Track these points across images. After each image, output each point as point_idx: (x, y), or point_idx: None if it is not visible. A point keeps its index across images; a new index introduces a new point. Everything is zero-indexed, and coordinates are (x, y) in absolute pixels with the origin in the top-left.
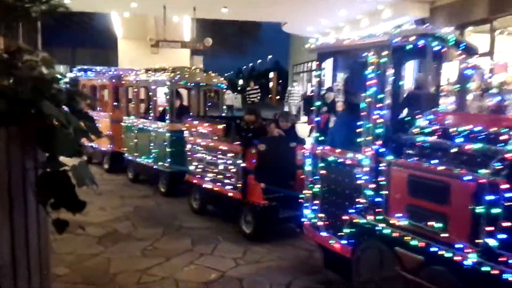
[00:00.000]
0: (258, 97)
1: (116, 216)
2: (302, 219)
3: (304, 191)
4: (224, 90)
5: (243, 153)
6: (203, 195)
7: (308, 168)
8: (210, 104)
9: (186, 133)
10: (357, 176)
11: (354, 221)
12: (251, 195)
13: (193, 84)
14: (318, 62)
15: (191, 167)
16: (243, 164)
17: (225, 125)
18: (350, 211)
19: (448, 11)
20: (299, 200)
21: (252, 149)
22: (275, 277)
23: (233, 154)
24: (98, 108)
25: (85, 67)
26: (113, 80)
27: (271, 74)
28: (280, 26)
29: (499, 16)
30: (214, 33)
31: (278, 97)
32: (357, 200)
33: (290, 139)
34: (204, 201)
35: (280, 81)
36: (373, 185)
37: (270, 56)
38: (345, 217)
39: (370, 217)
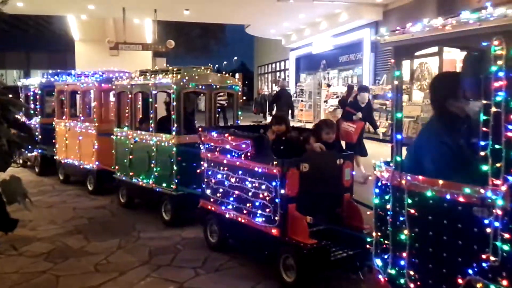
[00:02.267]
0: (226, 101)
1: (67, 230)
2: (378, 274)
3: (374, 233)
4: (240, 93)
5: (281, 176)
6: (224, 227)
7: (382, 203)
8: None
9: (201, 148)
10: (480, 220)
11: (477, 286)
12: (294, 231)
13: (203, 87)
14: (395, 60)
15: (208, 191)
16: (282, 190)
17: (255, 139)
18: (468, 271)
19: (399, 14)
20: (353, 235)
21: (294, 170)
22: (236, 284)
23: (268, 177)
24: (81, 118)
25: (59, 70)
26: (102, 85)
27: (237, 76)
28: (244, 28)
29: (447, 18)
30: (178, 34)
31: (244, 98)
32: (480, 256)
33: (335, 155)
34: (225, 234)
35: (246, 82)
36: (510, 235)
37: (235, 58)
38: (458, 280)
39: (504, 282)
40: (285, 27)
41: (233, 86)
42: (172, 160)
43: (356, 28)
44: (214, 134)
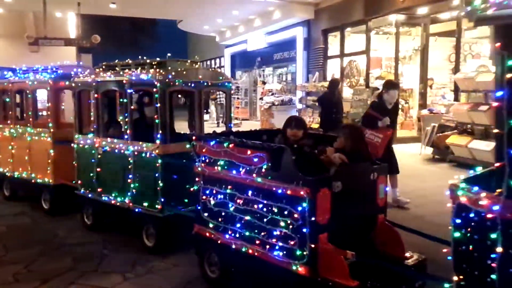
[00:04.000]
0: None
1: None
2: None
3: (455, 277)
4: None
5: (311, 198)
6: (228, 260)
7: (473, 239)
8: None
9: (196, 161)
10: None
11: None
12: (328, 270)
13: (193, 84)
14: (503, 42)
15: (205, 214)
16: (313, 218)
17: (273, 151)
18: None
19: (329, 13)
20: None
21: (325, 191)
22: (167, 286)
23: (291, 200)
24: (31, 122)
25: None
26: (56, 82)
27: None
28: (176, 24)
29: (373, 18)
30: (105, 29)
31: (179, 96)
32: None
33: (369, 168)
34: (230, 269)
35: None
36: None
37: (169, 54)
38: None
39: None
40: (219, 24)
41: (226, 84)
42: (156, 175)
43: (289, 26)
44: (213, 144)
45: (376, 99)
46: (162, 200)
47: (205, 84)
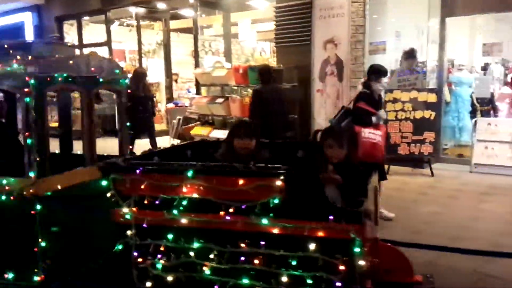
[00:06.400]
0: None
1: None
2: None
3: None
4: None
5: (360, 239)
6: None
7: None
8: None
9: (122, 205)
10: None
11: None
12: None
13: (81, 81)
14: None
15: (147, 285)
16: (361, 261)
17: (291, 175)
18: None
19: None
20: None
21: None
22: None
23: (328, 244)
24: None
25: None
26: None
27: None
28: None
29: (111, 8)
30: None
31: None
32: None
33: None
34: None
35: None
36: None
37: None
38: None
39: None
40: None
41: (121, 81)
42: (35, 230)
43: (14, 11)
44: (160, 175)
45: (365, 89)
46: (45, 267)
47: (97, 81)
